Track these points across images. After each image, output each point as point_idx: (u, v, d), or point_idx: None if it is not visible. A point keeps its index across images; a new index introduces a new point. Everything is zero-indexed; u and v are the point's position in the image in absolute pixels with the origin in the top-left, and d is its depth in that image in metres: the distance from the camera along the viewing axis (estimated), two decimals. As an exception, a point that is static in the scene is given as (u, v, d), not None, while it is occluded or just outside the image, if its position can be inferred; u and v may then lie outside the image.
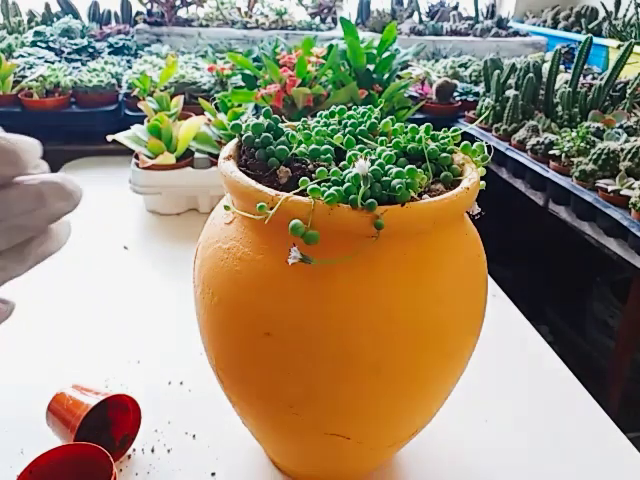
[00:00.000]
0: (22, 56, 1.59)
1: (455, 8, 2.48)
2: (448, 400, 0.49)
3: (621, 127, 1.24)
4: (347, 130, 0.48)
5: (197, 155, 1.12)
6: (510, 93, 1.40)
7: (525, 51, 2.15)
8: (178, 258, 0.96)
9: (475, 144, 0.47)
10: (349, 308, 0.39)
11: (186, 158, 1.10)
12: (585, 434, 0.63)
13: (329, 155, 0.44)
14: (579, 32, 2.19)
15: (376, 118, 0.49)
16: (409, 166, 0.39)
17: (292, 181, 0.42)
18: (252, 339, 0.42)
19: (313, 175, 0.41)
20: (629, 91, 1.36)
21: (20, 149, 0.27)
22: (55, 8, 2.12)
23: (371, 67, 1.35)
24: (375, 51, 1.36)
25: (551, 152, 1.22)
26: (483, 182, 0.44)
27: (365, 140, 0.46)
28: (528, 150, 1.29)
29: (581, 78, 1.47)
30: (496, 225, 0.90)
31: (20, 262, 0.29)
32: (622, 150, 1.10)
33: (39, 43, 1.74)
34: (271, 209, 0.38)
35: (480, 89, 1.60)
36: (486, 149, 0.47)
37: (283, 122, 0.48)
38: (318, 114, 0.51)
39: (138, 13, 2.20)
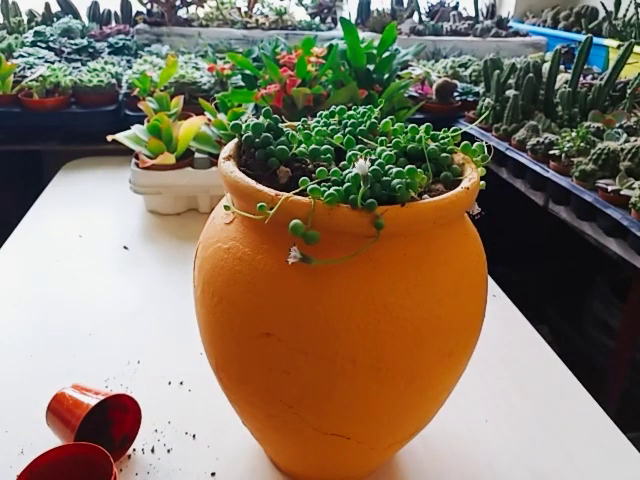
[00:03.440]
0: (22, 56, 1.59)
1: (455, 8, 2.47)
2: (448, 400, 0.49)
3: (621, 127, 1.23)
4: (347, 130, 0.48)
5: (197, 155, 1.12)
6: (510, 93, 1.40)
7: (525, 51, 2.15)
8: (178, 258, 0.96)
9: (475, 144, 0.47)
10: (349, 308, 0.39)
11: (186, 158, 1.10)
12: (585, 434, 0.63)
13: (329, 155, 0.44)
14: (579, 32, 2.19)
15: (376, 118, 0.49)
16: (409, 166, 0.39)
17: (292, 181, 0.42)
18: (252, 339, 0.42)
19: (313, 175, 0.41)
20: (629, 91, 1.36)
21: None
22: (55, 8, 2.12)
23: (371, 67, 1.35)
24: (375, 51, 1.36)
25: (551, 152, 1.22)
26: (483, 182, 0.45)
27: (365, 140, 0.46)
28: (528, 150, 1.29)
29: (581, 78, 1.47)
30: (496, 225, 0.90)
31: None
32: (622, 150, 1.10)
33: (39, 43, 1.74)
34: (271, 209, 0.38)
35: (480, 89, 1.60)
36: (486, 149, 0.47)
37: (283, 122, 0.48)
38: (318, 114, 0.51)
39: (138, 13, 2.20)
